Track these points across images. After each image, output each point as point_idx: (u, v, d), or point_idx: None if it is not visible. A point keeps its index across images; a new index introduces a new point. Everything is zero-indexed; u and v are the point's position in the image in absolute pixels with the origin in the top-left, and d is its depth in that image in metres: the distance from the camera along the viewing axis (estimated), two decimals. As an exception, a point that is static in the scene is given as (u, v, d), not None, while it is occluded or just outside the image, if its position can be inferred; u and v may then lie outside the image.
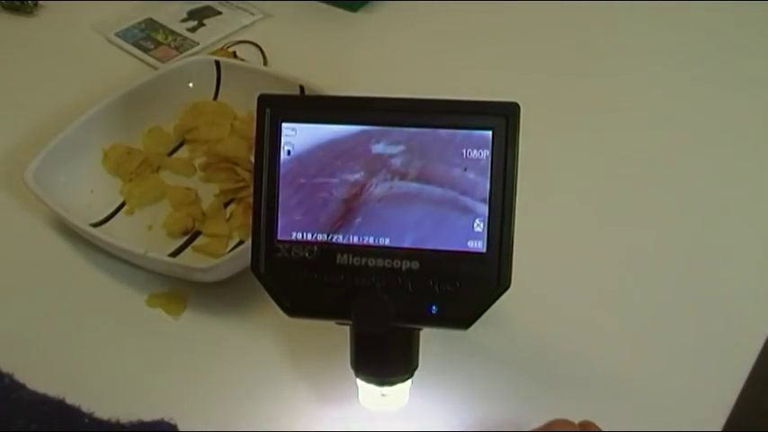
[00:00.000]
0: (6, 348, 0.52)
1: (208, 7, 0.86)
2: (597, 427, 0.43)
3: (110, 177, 0.63)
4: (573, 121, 0.71)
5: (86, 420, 0.39)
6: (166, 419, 0.40)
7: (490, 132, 0.42)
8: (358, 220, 0.43)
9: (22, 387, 0.39)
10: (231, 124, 0.67)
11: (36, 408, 0.38)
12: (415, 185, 0.42)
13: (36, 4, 0.84)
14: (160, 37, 0.81)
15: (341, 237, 0.43)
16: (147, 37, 0.81)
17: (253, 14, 0.84)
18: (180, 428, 0.40)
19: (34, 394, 0.39)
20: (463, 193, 0.42)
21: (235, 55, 0.75)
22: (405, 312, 0.42)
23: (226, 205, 0.61)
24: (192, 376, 0.51)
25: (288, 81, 0.65)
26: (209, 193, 0.62)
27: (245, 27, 0.83)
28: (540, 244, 0.55)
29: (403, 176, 0.42)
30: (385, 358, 0.45)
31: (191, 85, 0.69)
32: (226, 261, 0.53)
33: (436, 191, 0.42)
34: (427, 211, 0.42)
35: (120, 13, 0.84)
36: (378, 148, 0.42)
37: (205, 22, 0.83)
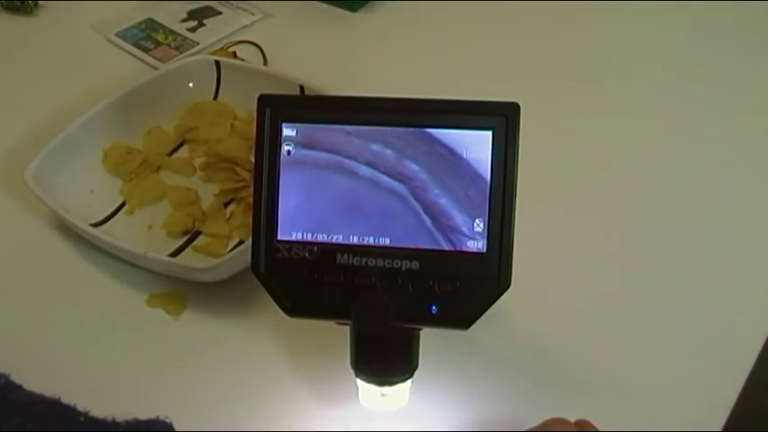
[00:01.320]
0: (6, 348, 0.52)
1: (208, 7, 0.86)
2: (593, 426, 0.43)
3: (110, 177, 0.63)
4: (573, 122, 0.71)
5: (82, 419, 0.39)
6: (162, 418, 0.40)
7: (490, 132, 0.42)
8: (357, 218, 0.43)
9: (19, 387, 0.40)
10: (231, 124, 0.67)
11: (32, 407, 0.38)
12: (415, 185, 0.42)
13: (36, 4, 0.84)
14: (160, 37, 0.81)
15: (341, 237, 0.43)
16: (147, 37, 0.81)
17: (253, 14, 0.84)
18: (180, 428, 0.40)
19: (30, 394, 0.39)
20: (463, 192, 0.42)
21: (235, 55, 0.75)
22: (405, 312, 0.42)
23: (226, 205, 0.61)
24: (192, 376, 0.51)
25: (288, 81, 0.65)
26: (209, 193, 0.62)
27: (245, 27, 0.83)
28: (540, 244, 0.55)
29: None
30: (385, 358, 0.45)
31: (191, 85, 0.69)
32: (226, 261, 0.53)
33: (436, 190, 0.42)
34: (427, 211, 0.42)
35: (120, 13, 0.84)
36: (376, 147, 0.43)
37: (205, 22, 0.83)
